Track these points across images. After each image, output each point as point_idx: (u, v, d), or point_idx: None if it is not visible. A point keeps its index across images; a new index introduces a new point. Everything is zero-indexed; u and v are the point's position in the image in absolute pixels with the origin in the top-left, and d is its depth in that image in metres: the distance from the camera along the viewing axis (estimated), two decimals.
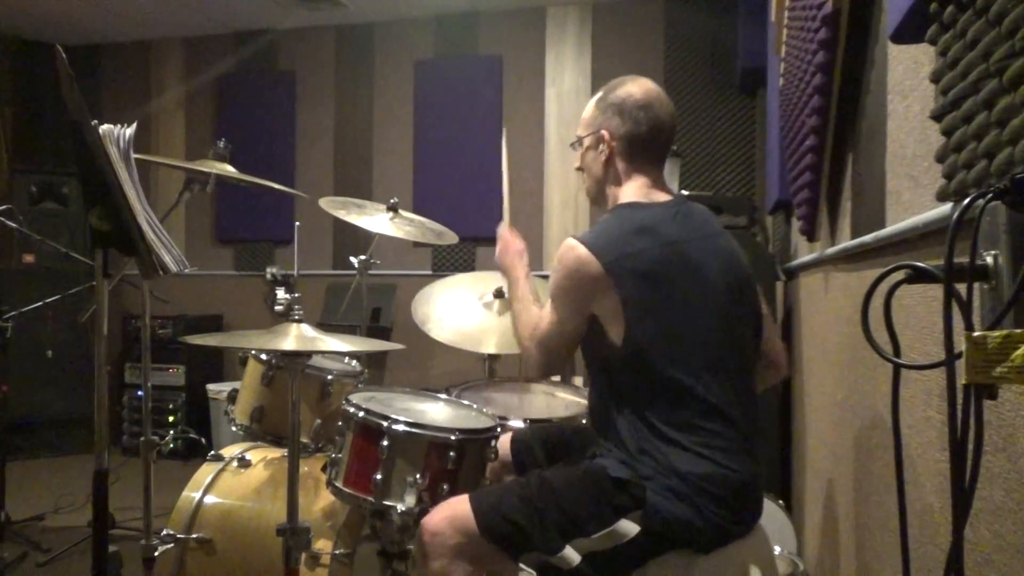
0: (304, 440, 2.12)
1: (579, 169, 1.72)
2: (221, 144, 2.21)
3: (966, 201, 0.71)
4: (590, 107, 1.67)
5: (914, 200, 1.21)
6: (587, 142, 1.66)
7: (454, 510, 1.47)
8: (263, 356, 2.19)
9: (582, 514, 1.39)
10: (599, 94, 1.67)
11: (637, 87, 1.62)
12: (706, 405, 1.42)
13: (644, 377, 1.44)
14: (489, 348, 2.29)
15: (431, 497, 1.66)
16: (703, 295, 1.47)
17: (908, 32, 1.07)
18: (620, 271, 1.45)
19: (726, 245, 1.58)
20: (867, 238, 1.44)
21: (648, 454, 1.41)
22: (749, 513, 1.46)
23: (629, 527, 1.38)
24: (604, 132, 1.61)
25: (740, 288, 1.54)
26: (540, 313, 1.64)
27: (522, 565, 1.52)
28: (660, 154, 1.64)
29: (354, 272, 2.60)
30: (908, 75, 1.24)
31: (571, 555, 1.39)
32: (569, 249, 1.50)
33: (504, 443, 1.84)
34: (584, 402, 2.22)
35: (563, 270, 1.51)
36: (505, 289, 1.87)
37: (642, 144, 1.60)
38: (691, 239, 1.51)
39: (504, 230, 1.91)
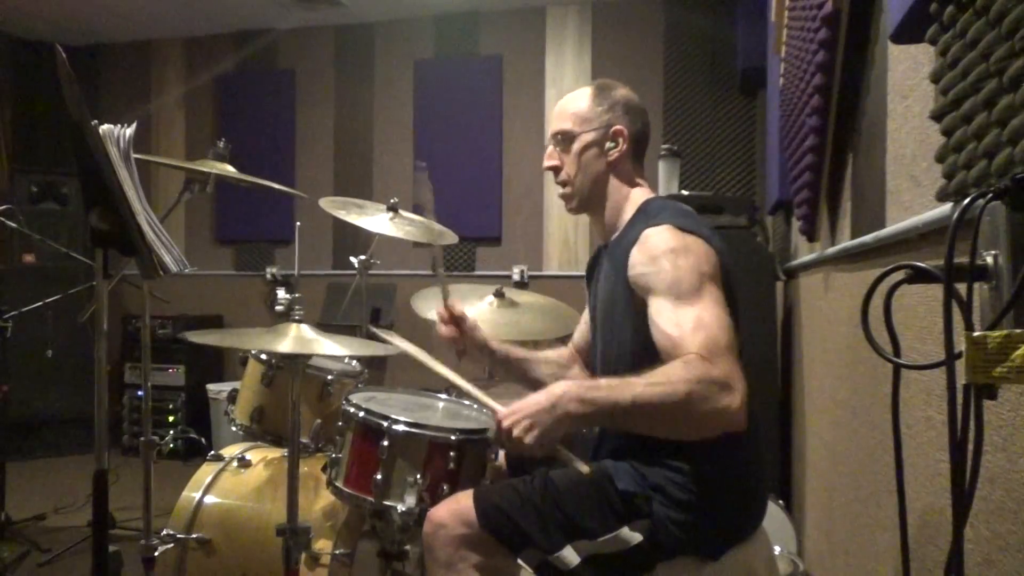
0: (304, 440, 2.12)
1: (553, 168, 1.58)
2: (221, 144, 2.21)
3: (966, 201, 0.71)
4: (586, 101, 1.56)
5: (914, 200, 1.21)
6: (589, 137, 1.54)
7: (458, 503, 1.47)
8: (263, 356, 2.19)
9: (584, 518, 1.39)
10: (592, 90, 1.57)
11: (628, 89, 1.60)
12: None
13: None
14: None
15: (431, 497, 1.66)
16: (735, 291, 1.46)
17: (908, 32, 1.07)
18: (717, 252, 1.35)
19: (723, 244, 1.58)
20: (867, 238, 1.44)
21: (662, 462, 1.39)
22: (756, 516, 1.46)
23: (632, 536, 1.37)
24: (621, 128, 1.53)
25: None
26: (683, 330, 1.23)
27: (521, 563, 1.52)
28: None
29: (354, 272, 2.59)
30: (908, 75, 1.24)
31: (570, 555, 1.39)
32: (680, 231, 1.34)
33: (501, 454, 1.83)
34: None
35: (696, 250, 1.31)
36: (587, 418, 1.28)
37: (642, 146, 1.59)
38: None
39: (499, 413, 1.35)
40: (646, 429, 1.29)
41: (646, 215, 1.47)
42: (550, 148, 1.60)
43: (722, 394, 1.18)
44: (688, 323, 1.24)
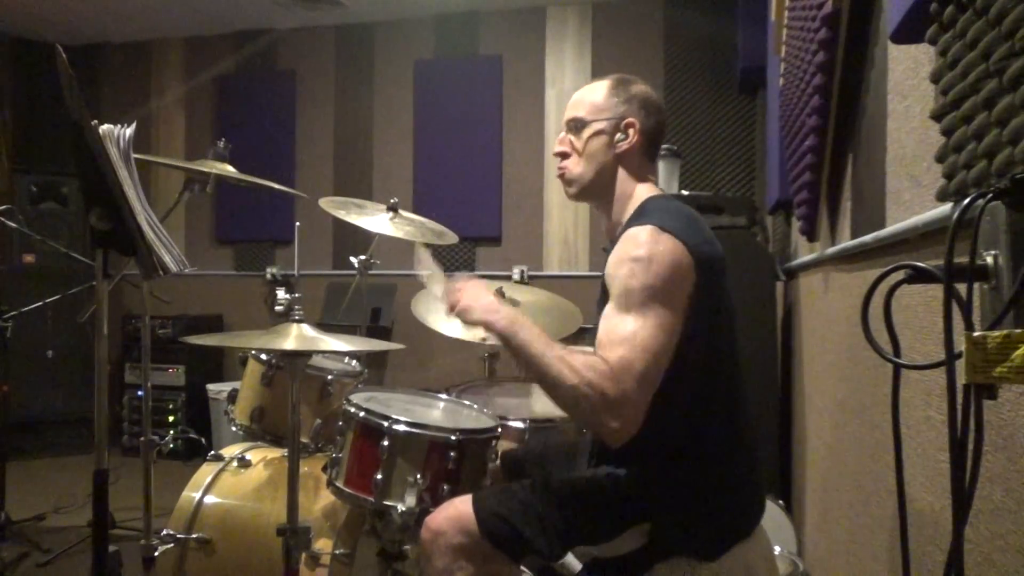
0: (304, 440, 2.12)
1: (561, 154, 1.57)
2: (221, 144, 2.22)
3: (966, 201, 0.71)
4: (602, 92, 1.55)
5: (914, 200, 1.21)
6: (600, 126, 1.52)
7: (457, 510, 1.45)
8: (263, 356, 2.19)
9: (586, 523, 1.38)
10: (609, 82, 1.57)
11: (649, 88, 1.59)
12: (728, 410, 1.41)
13: (681, 380, 1.33)
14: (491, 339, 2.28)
15: (431, 497, 1.66)
16: (726, 298, 1.45)
17: (908, 32, 1.07)
18: (700, 260, 1.33)
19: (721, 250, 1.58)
20: (867, 238, 1.44)
21: (660, 464, 1.39)
22: (756, 515, 1.46)
23: (634, 540, 1.37)
24: (633, 121, 1.52)
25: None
26: (613, 336, 1.26)
27: (523, 568, 1.52)
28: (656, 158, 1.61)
29: (354, 272, 2.60)
30: (908, 75, 1.24)
31: (573, 563, 1.38)
32: (659, 237, 1.31)
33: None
34: None
35: (661, 262, 1.29)
36: (516, 331, 1.35)
37: (656, 144, 1.57)
38: None
39: (449, 286, 1.54)
40: (536, 382, 1.37)
41: (643, 213, 1.45)
42: (563, 134, 1.59)
43: (605, 412, 1.22)
44: (617, 334, 1.27)
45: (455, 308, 1.46)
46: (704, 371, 1.38)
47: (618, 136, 1.53)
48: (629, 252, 1.32)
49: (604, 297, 1.39)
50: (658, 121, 1.56)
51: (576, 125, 1.56)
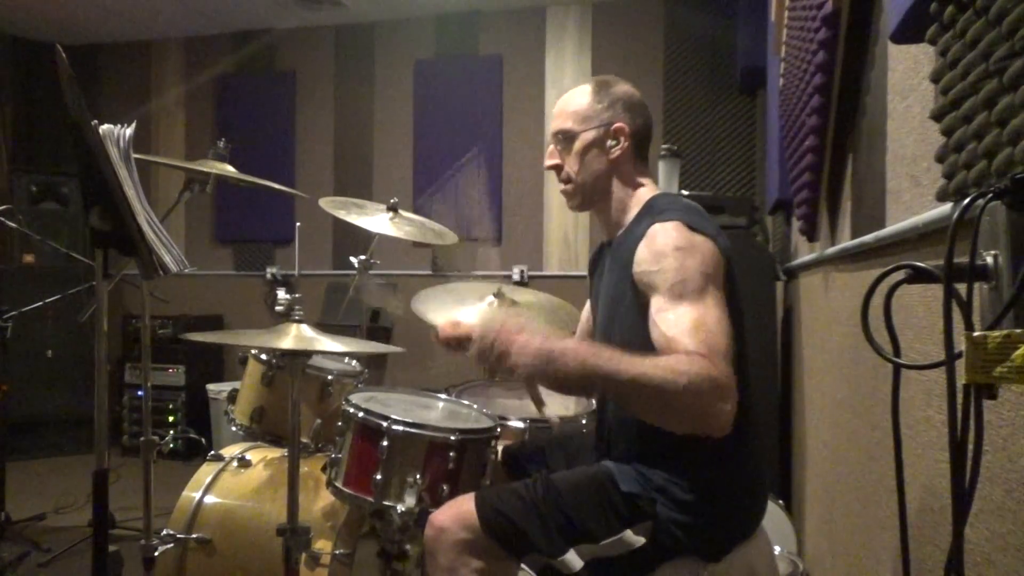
0: (304, 440, 2.12)
1: (555, 167, 1.57)
2: (221, 144, 2.22)
3: (966, 201, 0.71)
4: (586, 99, 1.55)
5: (914, 200, 1.21)
6: (590, 136, 1.52)
7: (460, 507, 1.45)
8: (263, 356, 2.19)
9: (587, 521, 1.38)
10: (591, 87, 1.56)
11: (629, 85, 1.58)
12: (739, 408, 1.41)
13: None
14: None
15: (431, 497, 1.66)
16: (737, 291, 1.45)
17: (908, 32, 1.07)
18: (723, 251, 1.34)
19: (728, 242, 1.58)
20: (867, 238, 1.44)
21: (664, 464, 1.39)
22: (758, 516, 1.46)
23: (635, 538, 1.36)
24: (622, 126, 1.52)
25: None
26: (682, 328, 1.21)
27: (524, 567, 1.52)
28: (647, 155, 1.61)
29: (354, 272, 2.60)
30: (908, 75, 1.24)
31: (574, 560, 1.38)
32: (687, 229, 1.32)
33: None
34: (584, 401, 2.22)
35: (703, 250, 1.30)
36: (569, 356, 1.21)
37: (645, 142, 1.58)
38: None
39: (449, 329, 1.61)
40: (635, 407, 1.24)
41: (652, 211, 1.44)
42: (551, 147, 1.59)
43: (717, 397, 1.14)
44: (687, 323, 1.22)
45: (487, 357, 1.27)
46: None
47: (609, 143, 1.53)
48: (667, 245, 1.30)
49: (634, 296, 1.38)
50: (644, 118, 1.56)
51: (565, 137, 1.55)
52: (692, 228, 1.33)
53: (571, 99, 1.58)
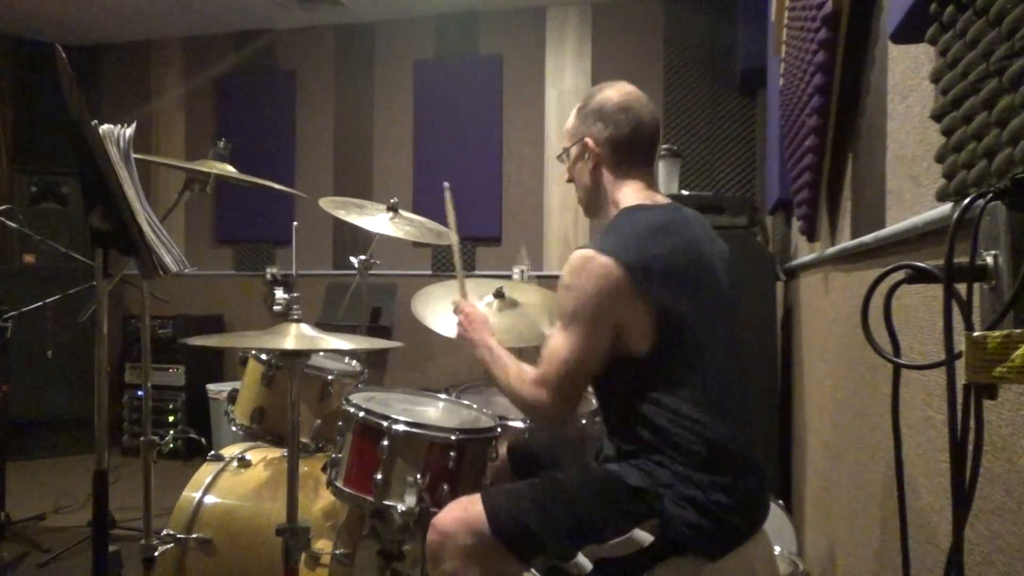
0: (304, 440, 2.12)
1: (570, 180, 1.70)
2: (221, 144, 2.21)
3: (966, 201, 0.71)
4: (572, 117, 1.66)
5: (914, 200, 1.21)
6: (574, 152, 1.64)
7: (466, 511, 1.44)
8: (263, 356, 2.19)
9: (596, 521, 1.38)
10: (579, 104, 1.65)
11: (614, 91, 1.61)
12: (724, 410, 1.42)
13: (667, 383, 1.41)
14: None
15: (431, 497, 1.66)
16: (717, 296, 1.47)
17: (908, 32, 1.07)
18: (646, 274, 1.40)
19: (721, 246, 1.60)
20: (867, 238, 1.44)
21: (666, 462, 1.39)
22: (759, 516, 1.46)
23: (644, 536, 1.36)
24: (588, 140, 1.60)
25: (734, 290, 1.55)
26: (545, 352, 1.50)
27: (532, 572, 1.52)
28: (647, 156, 1.62)
29: (354, 272, 2.60)
30: (908, 75, 1.24)
31: (584, 562, 1.38)
32: (585, 259, 1.43)
33: (502, 453, 1.83)
34: (583, 401, 2.22)
35: (584, 282, 1.42)
36: (483, 352, 1.68)
37: (626, 146, 1.58)
38: (703, 239, 1.52)
39: (462, 303, 1.83)
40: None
41: (606, 229, 1.54)
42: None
43: (536, 414, 1.60)
44: (548, 350, 1.49)
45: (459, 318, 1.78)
46: (692, 367, 1.42)
47: (586, 156, 1.62)
48: (563, 277, 1.48)
49: None
50: (617, 123, 1.58)
51: (564, 153, 1.69)
52: (601, 252, 1.42)
53: (569, 116, 1.69)
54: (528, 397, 1.52)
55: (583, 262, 1.43)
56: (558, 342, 1.47)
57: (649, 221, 1.49)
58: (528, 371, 1.54)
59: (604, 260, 1.41)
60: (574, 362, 1.45)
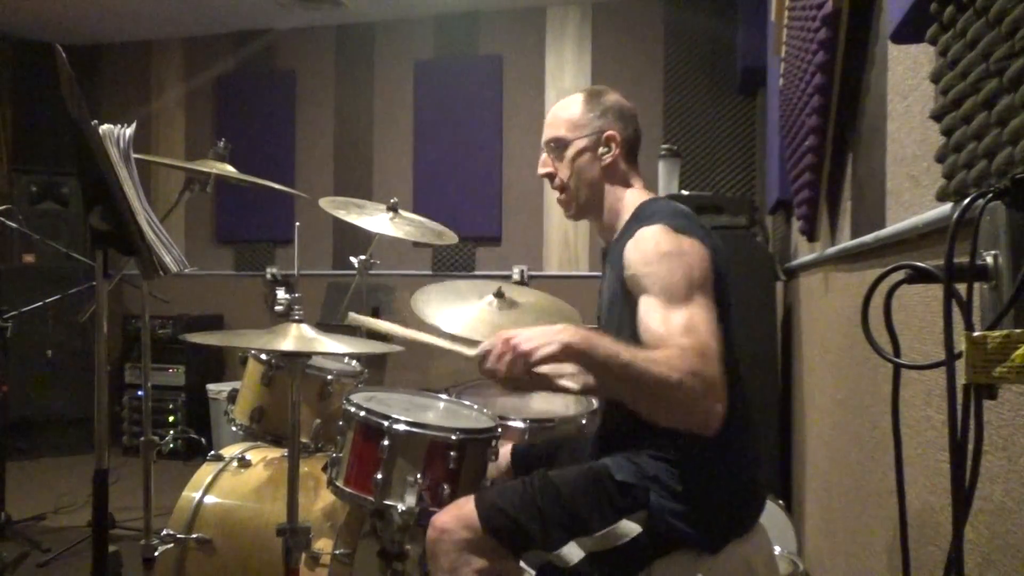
0: (304, 440, 2.12)
1: (548, 175, 1.62)
2: (221, 144, 2.22)
3: (966, 201, 0.71)
4: (578, 108, 1.59)
5: (914, 200, 1.21)
6: (582, 144, 1.57)
7: (460, 508, 1.48)
8: (263, 356, 2.19)
9: (582, 511, 1.40)
10: (583, 96, 1.61)
11: (618, 94, 1.63)
12: (731, 403, 1.42)
13: None
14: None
15: (432, 497, 1.66)
16: (728, 290, 1.47)
17: (908, 32, 1.07)
18: (713, 253, 1.37)
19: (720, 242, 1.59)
20: (867, 238, 1.44)
21: (657, 455, 1.40)
22: (753, 510, 1.47)
23: (631, 527, 1.37)
24: (613, 134, 1.56)
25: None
26: (664, 331, 1.23)
27: (524, 566, 1.52)
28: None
29: (354, 272, 2.60)
30: (908, 75, 1.24)
31: (570, 553, 1.39)
32: (675, 234, 1.34)
33: (505, 454, 1.83)
34: (584, 401, 2.22)
35: (692, 254, 1.32)
36: (583, 358, 1.22)
37: (636, 149, 1.63)
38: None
39: (496, 336, 1.30)
40: (628, 397, 1.25)
41: (641, 216, 1.48)
42: (544, 156, 1.63)
43: (709, 396, 1.17)
44: (677, 325, 1.24)
45: (504, 367, 1.25)
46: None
47: (601, 150, 1.57)
48: (654, 249, 1.33)
49: (626, 297, 1.40)
50: (634, 128, 1.61)
51: (557, 145, 1.60)
52: (678, 231, 1.35)
53: (563, 108, 1.62)
54: (706, 373, 1.16)
55: (666, 235, 1.33)
56: (685, 315, 1.23)
57: (684, 207, 1.49)
58: (669, 350, 1.18)
59: (681, 235, 1.33)
60: (716, 334, 1.23)
